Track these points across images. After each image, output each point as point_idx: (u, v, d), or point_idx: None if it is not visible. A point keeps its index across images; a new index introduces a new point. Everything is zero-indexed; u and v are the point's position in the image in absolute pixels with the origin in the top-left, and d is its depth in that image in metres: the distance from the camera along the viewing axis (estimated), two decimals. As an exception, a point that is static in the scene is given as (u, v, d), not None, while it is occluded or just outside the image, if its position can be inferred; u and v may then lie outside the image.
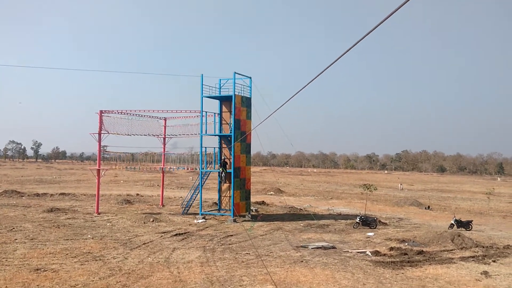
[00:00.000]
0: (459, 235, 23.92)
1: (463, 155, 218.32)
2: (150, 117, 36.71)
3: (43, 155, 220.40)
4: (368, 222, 29.28)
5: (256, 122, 33.87)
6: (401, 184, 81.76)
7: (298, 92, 9.33)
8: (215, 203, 36.53)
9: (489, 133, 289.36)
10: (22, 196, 43.59)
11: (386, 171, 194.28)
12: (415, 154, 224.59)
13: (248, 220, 31.48)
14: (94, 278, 15.71)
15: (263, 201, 42.56)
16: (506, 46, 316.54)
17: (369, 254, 20.89)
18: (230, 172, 31.84)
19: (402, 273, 17.52)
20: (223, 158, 33.25)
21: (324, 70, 7.38)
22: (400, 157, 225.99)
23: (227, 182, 32.87)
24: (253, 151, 35.36)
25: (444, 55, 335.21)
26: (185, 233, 25.55)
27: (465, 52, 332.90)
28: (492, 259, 20.40)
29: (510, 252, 21.98)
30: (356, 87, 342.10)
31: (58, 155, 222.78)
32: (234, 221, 30.39)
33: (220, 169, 32.73)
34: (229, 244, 22.57)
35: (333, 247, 22.28)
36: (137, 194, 48.04)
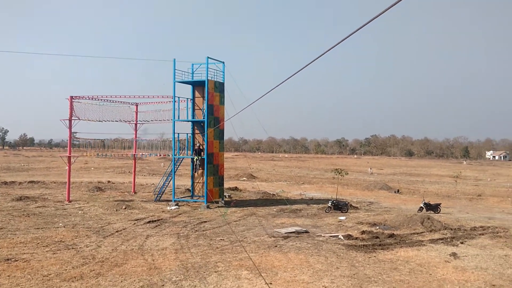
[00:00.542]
0: (428, 218, 24.54)
1: (430, 139, 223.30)
2: (121, 103, 36.13)
3: (10, 142, 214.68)
4: (339, 206, 29.71)
5: (229, 107, 33.79)
6: (370, 169, 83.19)
7: (278, 85, 9.34)
8: (188, 189, 36.41)
9: (456, 118, 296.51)
10: (-12, 184, 42.45)
11: (355, 156, 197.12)
12: (384, 139, 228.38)
13: (222, 206, 31.53)
14: (67, 267, 15.50)
15: (236, 187, 42.66)
16: (472, 30, 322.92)
17: (342, 238, 21.24)
18: (204, 159, 31.70)
19: (374, 256, 17.90)
20: (197, 145, 32.75)
21: (306, 65, 7.38)
22: (369, 141, 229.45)
23: (201, 169, 32.61)
24: (225, 137, 35.26)
25: (410, 40, 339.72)
26: (158, 220, 25.42)
27: (430, 37, 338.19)
28: (460, 240, 21.02)
29: (477, 234, 22.69)
30: (326, 73, 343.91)
31: (26, 142, 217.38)
32: (208, 207, 30.39)
33: (195, 157, 32.31)
34: (203, 231, 22.59)
35: (306, 232, 22.55)
36: (109, 181, 47.41)
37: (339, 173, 36.91)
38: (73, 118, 32.47)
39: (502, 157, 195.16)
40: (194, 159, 32.35)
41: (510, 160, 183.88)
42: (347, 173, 39.77)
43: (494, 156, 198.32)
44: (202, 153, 32.30)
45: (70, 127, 32.52)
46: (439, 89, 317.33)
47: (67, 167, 33.68)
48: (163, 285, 13.73)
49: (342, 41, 6.06)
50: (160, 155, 37.16)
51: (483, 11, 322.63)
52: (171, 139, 32.99)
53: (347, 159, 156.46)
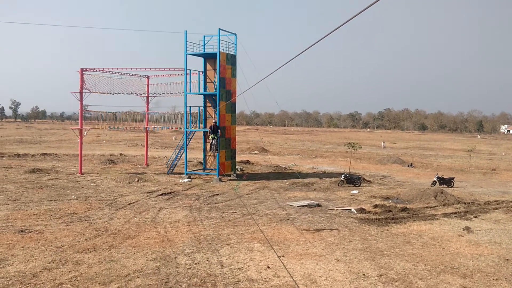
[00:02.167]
0: (441, 192, 24.30)
1: (444, 113, 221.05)
2: (132, 75, 35.92)
3: (22, 115, 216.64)
4: (352, 180, 29.53)
5: (241, 80, 33.47)
6: (383, 142, 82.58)
7: (291, 60, 9.08)
8: (200, 162, 36.42)
9: (470, 91, 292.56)
10: (2, 156, 42.87)
11: (368, 129, 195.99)
12: (397, 112, 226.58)
13: (234, 179, 31.53)
14: (80, 239, 15.61)
15: (248, 160, 42.60)
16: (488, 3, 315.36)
17: (354, 211, 21.14)
18: (222, 139, 31.09)
19: (387, 230, 17.79)
20: (214, 121, 31.14)
21: (321, 39, 7.10)
22: (383, 115, 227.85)
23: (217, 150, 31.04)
24: (237, 110, 35.00)
25: (425, 14, 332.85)
26: (170, 192, 25.49)
27: (446, 11, 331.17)
28: (474, 215, 20.82)
29: (491, 208, 22.46)
30: (339, 46, 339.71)
31: (38, 115, 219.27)
32: (220, 180, 30.39)
33: (210, 136, 30.41)
34: (216, 203, 22.61)
35: (319, 205, 22.48)
36: (121, 154, 47.64)
37: (352, 146, 36.57)
38: (84, 90, 32.40)
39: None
40: (210, 137, 30.58)
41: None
42: (360, 147, 39.44)
43: (508, 130, 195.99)
44: (219, 130, 30.55)
45: (81, 100, 32.49)
46: (453, 62, 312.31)
47: (78, 140, 33.80)
48: (175, 257, 13.77)
49: (353, 17, 5.78)
50: (172, 128, 37.06)
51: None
52: (183, 112, 32.82)
53: (360, 133, 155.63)
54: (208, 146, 32.63)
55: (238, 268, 12.90)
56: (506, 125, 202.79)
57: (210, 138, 30.65)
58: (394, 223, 19.01)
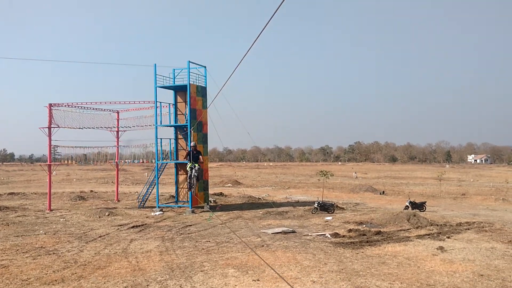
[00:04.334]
0: (414, 215, 24.52)
1: (413, 144, 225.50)
2: (102, 110, 35.59)
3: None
4: (326, 207, 29.58)
5: (212, 112, 33.53)
6: (355, 173, 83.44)
7: (241, 59, 9.22)
8: (172, 196, 35.96)
9: (437, 123, 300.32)
10: (-33, 197, 41.39)
11: (340, 163, 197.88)
12: (367, 145, 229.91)
13: (207, 211, 31.14)
14: (47, 271, 15.01)
15: (221, 193, 42.29)
16: (451, 37, 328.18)
17: (329, 236, 21.06)
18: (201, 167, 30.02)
19: (362, 252, 17.73)
20: (192, 145, 25.20)
21: (261, 31, 7.21)
22: (353, 148, 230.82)
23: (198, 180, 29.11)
24: (209, 147, 34.90)
25: (391, 42, 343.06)
26: (142, 225, 24.95)
27: (411, 40, 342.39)
28: (447, 235, 21.01)
29: (462, 229, 22.73)
30: (305, 78, 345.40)
31: (6, 158, 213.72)
32: (193, 212, 29.98)
33: (189, 164, 24.42)
34: (189, 233, 22.21)
35: (293, 232, 22.33)
36: (91, 191, 46.64)
37: (325, 174, 36.78)
38: (52, 126, 31.86)
39: (483, 161, 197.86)
40: (188, 167, 24.49)
41: (492, 163, 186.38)
42: (332, 175, 39.67)
43: (475, 160, 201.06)
44: (200, 157, 24.99)
45: (49, 135, 31.89)
46: (421, 95, 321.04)
47: (47, 176, 32.97)
48: (147, 285, 13.35)
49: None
50: (143, 162, 36.64)
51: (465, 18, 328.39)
52: (154, 151, 32.59)
53: (331, 166, 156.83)
54: (181, 179, 32.20)
55: (213, 293, 12.57)
56: (473, 155, 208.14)
57: (188, 168, 24.55)
58: (369, 245, 18.98)
